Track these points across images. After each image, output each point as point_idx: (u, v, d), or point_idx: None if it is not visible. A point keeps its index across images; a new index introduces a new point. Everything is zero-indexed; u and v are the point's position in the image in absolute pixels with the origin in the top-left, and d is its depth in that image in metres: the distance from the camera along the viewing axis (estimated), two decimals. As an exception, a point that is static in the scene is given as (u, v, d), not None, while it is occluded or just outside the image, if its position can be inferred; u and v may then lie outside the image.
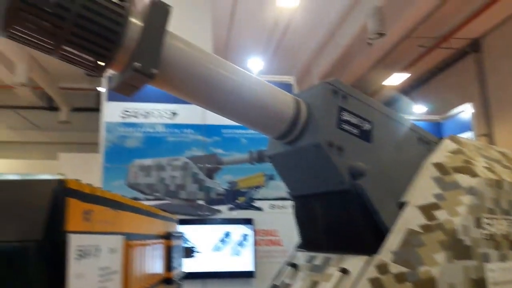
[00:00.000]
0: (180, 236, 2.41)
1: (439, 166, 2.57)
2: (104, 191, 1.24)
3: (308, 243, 2.59)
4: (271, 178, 4.38)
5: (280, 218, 4.23)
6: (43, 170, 14.00)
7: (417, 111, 8.18)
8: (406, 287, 1.93)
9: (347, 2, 9.08)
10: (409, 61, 11.50)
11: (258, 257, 4.21)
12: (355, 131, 2.41)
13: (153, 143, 4.32)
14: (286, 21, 9.72)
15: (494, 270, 2.30)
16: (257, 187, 4.46)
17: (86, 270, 1.07)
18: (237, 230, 4.21)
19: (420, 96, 12.94)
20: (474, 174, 2.45)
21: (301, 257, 2.53)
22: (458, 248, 2.16)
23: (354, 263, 2.15)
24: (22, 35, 1.13)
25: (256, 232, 4.30)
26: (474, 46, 11.18)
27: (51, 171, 12.90)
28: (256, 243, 4.27)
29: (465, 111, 5.27)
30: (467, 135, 5.15)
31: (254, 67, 10.33)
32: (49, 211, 0.97)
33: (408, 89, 13.58)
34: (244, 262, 4.12)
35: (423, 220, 2.24)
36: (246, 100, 2.04)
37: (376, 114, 2.53)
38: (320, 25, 10.20)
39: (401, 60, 11.52)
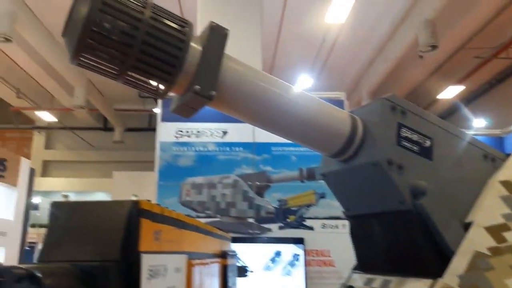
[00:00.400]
0: (234, 255, 2.43)
1: (507, 184, 2.41)
2: (171, 211, 1.27)
3: (365, 264, 2.52)
4: (322, 196, 4.33)
5: (332, 238, 4.15)
6: (98, 188, 14.78)
7: (475, 125, 7.75)
8: (476, 314, 1.82)
9: (396, 16, 8.94)
10: (465, 73, 11.00)
11: (309, 278, 4.13)
12: (415, 148, 2.33)
13: (205, 161, 4.45)
14: (334, 37, 9.72)
15: None
16: (308, 205, 4.43)
17: (156, 289, 1.09)
18: (288, 250, 4.17)
19: (477, 109, 12.27)
20: (547, 193, 2.28)
21: (358, 280, 2.46)
22: (533, 274, 2.01)
23: (416, 287, 2.06)
24: (90, 63, 1.19)
25: (307, 252, 4.24)
26: (536, 55, 10.50)
27: (106, 189, 13.57)
28: (307, 263, 4.20)
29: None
30: (533, 151, 4.80)
31: (303, 84, 10.38)
32: (125, 232, 1.01)
33: (464, 102, 12.94)
34: (295, 282, 4.06)
35: (491, 242, 2.11)
36: (301, 118, 2.05)
37: (437, 130, 2.44)
38: (369, 40, 10.10)
39: (456, 72, 11.06)
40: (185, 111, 1.67)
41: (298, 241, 4.22)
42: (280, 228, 4.33)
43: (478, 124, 7.90)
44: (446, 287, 1.97)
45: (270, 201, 4.41)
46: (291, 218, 4.38)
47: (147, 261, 1.04)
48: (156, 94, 1.45)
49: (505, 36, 9.65)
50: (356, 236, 2.57)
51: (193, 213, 4.29)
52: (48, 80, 11.52)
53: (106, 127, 15.96)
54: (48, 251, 1.05)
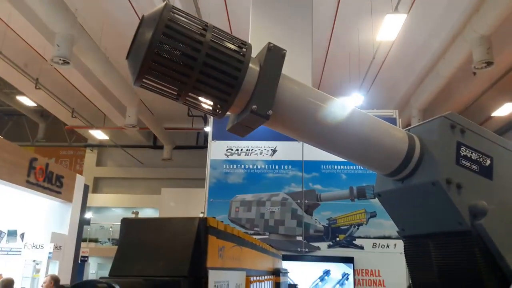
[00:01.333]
0: (286, 273, 2.47)
1: None
2: (233, 228, 1.31)
3: (420, 286, 2.47)
4: (372, 215, 4.28)
5: (383, 257, 4.08)
6: (147, 204, 15.32)
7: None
8: None
9: (448, 33, 8.74)
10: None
11: (360, 298, 4.09)
12: (474, 167, 2.29)
13: (254, 179, 4.57)
14: (384, 54, 9.64)
15: None
16: (358, 224, 4.39)
17: (220, 305, 1.10)
18: (337, 269, 4.15)
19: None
20: None
21: (414, 300, 2.42)
22: None
23: (475, 310, 2.01)
24: (153, 84, 1.24)
25: (357, 271, 4.19)
26: None
27: (154, 205, 14.03)
28: (356, 282, 4.15)
29: None
30: None
31: (353, 101, 10.32)
32: (194, 248, 1.04)
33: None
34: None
35: (557, 266, 2.02)
36: (357, 136, 2.09)
37: (497, 149, 2.38)
38: (420, 56, 9.91)
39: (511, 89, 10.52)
40: (241, 130, 1.75)
41: (348, 260, 4.19)
42: (329, 246, 4.33)
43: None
44: (506, 312, 1.91)
45: (319, 220, 4.42)
46: (340, 237, 4.36)
47: (213, 277, 1.06)
48: (214, 114, 1.47)
49: None
50: (411, 257, 2.54)
51: (242, 230, 4.40)
52: (102, 100, 12.23)
53: (156, 145, 16.58)
54: (119, 266, 1.09)
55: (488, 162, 2.29)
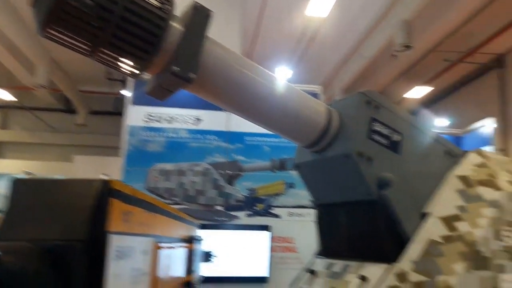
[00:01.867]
0: (201, 241, 2.49)
1: (463, 179, 2.63)
2: (143, 193, 1.26)
3: (328, 250, 2.67)
4: (291, 186, 4.47)
5: (298, 226, 4.31)
6: (58, 172, 14.32)
7: (439, 124, 8.18)
8: (425, 296, 1.99)
9: (375, 15, 9.16)
10: (433, 74, 11.47)
11: (273, 263, 4.28)
12: (385, 142, 2.49)
13: (175, 148, 4.46)
14: (314, 30, 9.84)
15: (508, 281, 2.34)
16: (277, 194, 4.56)
17: (122, 270, 1.08)
18: (254, 236, 4.29)
19: (442, 109, 12.87)
20: (497, 188, 2.50)
21: (320, 264, 2.61)
22: (476, 259, 2.22)
23: (374, 270, 2.22)
24: (61, 36, 1.12)
25: (272, 239, 4.38)
26: (498, 61, 11.12)
27: (66, 173, 13.18)
28: (272, 249, 4.35)
29: (486, 126, 5.28)
30: (486, 149, 5.16)
31: (281, 75, 10.49)
32: (93, 211, 0.98)
33: (430, 103, 13.52)
34: (259, 267, 4.20)
35: (444, 231, 2.30)
36: (280, 107, 2.13)
37: (407, 126, 2.61)
38: (347, 36, 10.29)
39: (425, 73, 11.50)
40: (161, 93, 1.67)
41: (265, 228, 4.35)
42: (248, 215, 4.44)
43: (440, 123, 8.36)
44: (400, 271, 2.14)
45: (240, 190, 4.50)
46: (259, 207, 4.50)
47: (115, 242, 1.02)
48: (131, 74, 1.40)
49: (473, 42, 10.14)
50: (322, 224, 2.72)
51: (160, 200, 4.31)
52: (8, 56, 11.00)
53: (69, 109, 15.42)
54: (8, 229, 1.01)
55: (398, 137, 2.50)
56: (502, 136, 10.82)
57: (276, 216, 4.49)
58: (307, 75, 12.01)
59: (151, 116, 4.49)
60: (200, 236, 2.45)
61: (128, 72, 1.44)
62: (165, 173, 4.37)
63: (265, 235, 4.32)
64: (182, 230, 2.01)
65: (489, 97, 11.34)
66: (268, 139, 4.61)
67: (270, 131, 2.27)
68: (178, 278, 1.84)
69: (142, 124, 4.48)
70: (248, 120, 2.17)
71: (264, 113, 2.05)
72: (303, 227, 4.40)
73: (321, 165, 2.48)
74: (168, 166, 4.39)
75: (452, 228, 2.31)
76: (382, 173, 2.32)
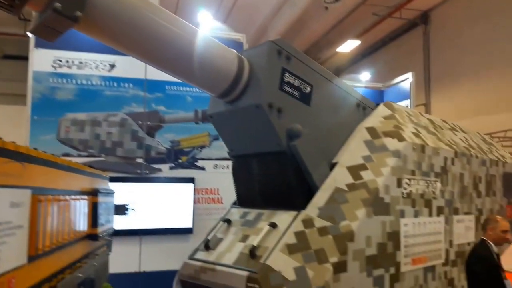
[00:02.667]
0: (110, 193, 2.39)
1: (371, 130, 2.77)
2: (8, 142, 1.15)
3: (243, 200, 2.73)
4: (215, 138, 4.44)
5: (223, 177, 4.34)
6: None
7: (362, 78, 8.57)
8: (327, 240, 2.13)
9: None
10: (362, 28, 11.77)
11: (197, 214, 4.34)
12: (295, 93, 2.51)
13: (88, 96, 4.15)
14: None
15: (407, 224, 2.60)
16: (201, 147, 4.51)
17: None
18: (178, 189, 4.27)
19: (369, 64, 13.42)
20: (401, 139, 2.68)
21: (236, 213, 2.67)
22: (378, 205, 2.41)
23: (283, 218, 2.32)
24: None
25: (197, 191, 4.39)
26: (424, 18, 11.68)
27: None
28: (196, 201, 4.38)
29: (406, 80, 5.59)
30: (406, 103, 5.50)
31: (208, 23, 10.05)
32: None
33: (359, 57, 14.02)
34: (184, 219, 4.23)
35: (350, 180, 2.44)
36: (185, 53, 2.02)
37: (318, 78, 2.64)
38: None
39: (355, 27, 11.75)
40: (45, 33, 1.52)
41: (189, 180, 4.34)
42: (171, 168, 4.37)
43: (364, 78, 8.76)
44: (307, 218, 2.26)
45: (161, 142, 4.38)
46: (183, 159, 4.43)
47: None
48: (9, 8, 1.30)
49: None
50: (237, 175, 2.75)
51: (74, 152, 4.07)
52: None
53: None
54: None
55: (308, 89, 2.53)
56: (425, 91, 11.65)
57: (200, 168, 4.47)
58: (239, 24, 11.70)
59: (59, 61, 4.09)
60: (108, 189, 2.36)
61: (6, 6, 1.33)
62: (77, 124, 4.08)
63: (189, 187, 4.31)
64: (80, 182, 1.89)
65: (414, 53, 11.99)
66: (191, 89, 4.45)
67: (179, 79, 2.17)
68: (77, 230, 1.76)
69: (49, 69, 4.08)
70: (154, 67, 2.04)
71: (170, 59, 1.94)
72: (228, 179, 4.43)
73: (234, 115, 2.47)
74: (81, 116, 4.10)
75: (357, 176, 2.46)
76: (291, 125, 2.37)
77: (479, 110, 9.99)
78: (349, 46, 12.26)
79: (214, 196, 4.48)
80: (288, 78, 2.32)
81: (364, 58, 14.02)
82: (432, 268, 2.80)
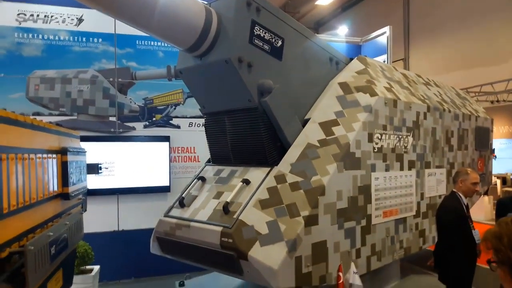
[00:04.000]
0: (80, 152, 2.35)
1: (343, 85, 2.77)
2: None
3: (217, 158, 2.74)
4: (190, 95, 4.35)
5: (198, 135, 4.30)
6: None
7: (340, 33, 8.40)
8: (299, 195, 2.18)
9: None
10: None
11: (174, 173, 4.36)
12: (266, 47, 2.46)
13: (56, 52, 3.96)
14: None
15: (379, 178, 2.68)
16: (175, 104, 4.44)
17: None
18: (154, 148, 4.25)
19: (349, 19, 13.25)
20: (373, 94, 2.70)
21: (210, 171, 2.69)
22: (349, 160, 2.45)
23: (256, 174, 2.35)
24: None
25: (173, 149, 4.38)
26: (406, -30, 11.43)
27: None
28: (172, 159, 4.38)
29: (384, 34, 5.54)
30: (383, 58, 5.47)
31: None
32: None
33: (338, 11, 13.78)
34: (161, 177, 4.25)
35: (322, 135, 2.47)
36: (148, 4, 1.93)
37: (290, 31, 2.58)
38: None
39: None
40: None
41: (164, 139, 4.31)
42: (145, 126, 4.31)
43: (342, 32, 8.59)
44: (279, 173, 2.29)
45: (134, 99, 4.28)
46: (157, 117, 4.37)
47: None
48: None
49: None
50: (210, 132, 2.74)
51: (45, 111, 3.95)
52: None
53: None
54: None
55: (280, 43, 2.48)
56: (404, 46, 11.63)
57: (175, 126, 4.43)
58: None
59: (23, 14, 3.86)
60: (79, 148, 2.32)
61: None
62: (47, 81, 3.93)
63: (164, 146, 4.29)
64: (48, 141, 1.83)
65: (393, 7, 11.83)
66: (162, 44, 4.30)
67: (145, 32, 2.09)
68: (46, 190, 1.73)
69: (14, 24, 3.85)
70: (117, 19, 1.95)
71: (132, 10, 1.85)
72: (204, 137, 4.42)
73: (203, 71, 2.41)
74: (50, 73, 3.94)
75: (328, 132, 2.48)
76: (262, 80, 2.34)
77: (456, 65, 10.10)
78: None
79: (191, 154, 4.47)
80: (258, 31, 2.26)
81: (343, 12, 13.78)
82: (403, 220, 2.93)
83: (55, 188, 1.90)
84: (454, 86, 4.49)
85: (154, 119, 4.35)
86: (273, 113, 2.32)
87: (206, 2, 2.21)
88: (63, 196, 2.02)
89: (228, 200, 2.18)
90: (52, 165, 1.85)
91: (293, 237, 2.02)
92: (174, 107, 4.42)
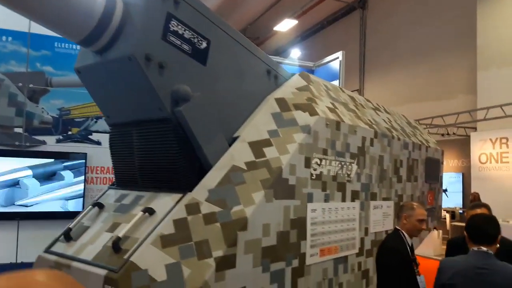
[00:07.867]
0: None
1: (280, 102, 2.43)
2: None
3: (123, 180, 2.28)
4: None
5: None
6: None
7: (294, 56, 8.45)
8: (214, 229, 1.76)
9: None
10: (301, 8, 11.64)
11: (90, 197, 3.79)
12: (186, 47, 2.08)
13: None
14: None
15: (316, 210, 2.32)
16: (97, 117, 3.92)
17: None
18: (67, 166, 3.70)
19: (307, 47, 13.46)
20: (313, 113, 2.37)
21: (111, 196, 2.21)
22: (280, 187, 2.05)
23: (164, 202, 1.92)
24: None
25: (90, 169, 3.83)
26: (362, 2, 11.81)
27: None
28: (89, 181, 3.82)
29: (337, 59, 5.42)
30: (335, 84, 5.31)
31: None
32: None
33: (298, 39, 14.01)
34: (73, 201, 3.68)
35: (251, 157, 2.09)
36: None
37: (219, 34, 2.23)
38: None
39: (294, 6, 11.59)
40: None
41: (80, 156, 3.76)
42: (59, 141, 3.76)
43: (295, 55, 8.70)
44: (192, 201, 1.86)
45: (47, 109, 3.73)
46: (73, 130, 3.83)
47: None
48: None
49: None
50: (115, 148, 2.28)
51: None
52: None
53: None
54: None
55: (204, 45, 2.11)
56: (360, 77, 11.90)
57: (95, 142, 3.91)
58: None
59: None
60: None
61: None
62: None
63: (80, 165, 3.75)
64: None
65: (350, 37, 12.13)
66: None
67: (29, 18, 1.68)
68: None
69: None
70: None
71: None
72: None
73: (104, 70, 1.98)
74: None
75: (259, 153, 2.10)
76: (177, 85, 1.95)
77: (408, 98, 10.38)
78: (286, 25, 12.09)
79: (111, 175, 3.94)
80: (175, 26, 1.89)
81: (302, 41, 14.03)
82: (344, 259, 2.58)
83: None
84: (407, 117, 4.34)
85: (70, 132, 3.81)
86: (189, 126, 1.92)
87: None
88: None
89: (120, 235, 1.72)
90: None
91: (199, 285, 1.59)
92: (95, 120, 3.91)
